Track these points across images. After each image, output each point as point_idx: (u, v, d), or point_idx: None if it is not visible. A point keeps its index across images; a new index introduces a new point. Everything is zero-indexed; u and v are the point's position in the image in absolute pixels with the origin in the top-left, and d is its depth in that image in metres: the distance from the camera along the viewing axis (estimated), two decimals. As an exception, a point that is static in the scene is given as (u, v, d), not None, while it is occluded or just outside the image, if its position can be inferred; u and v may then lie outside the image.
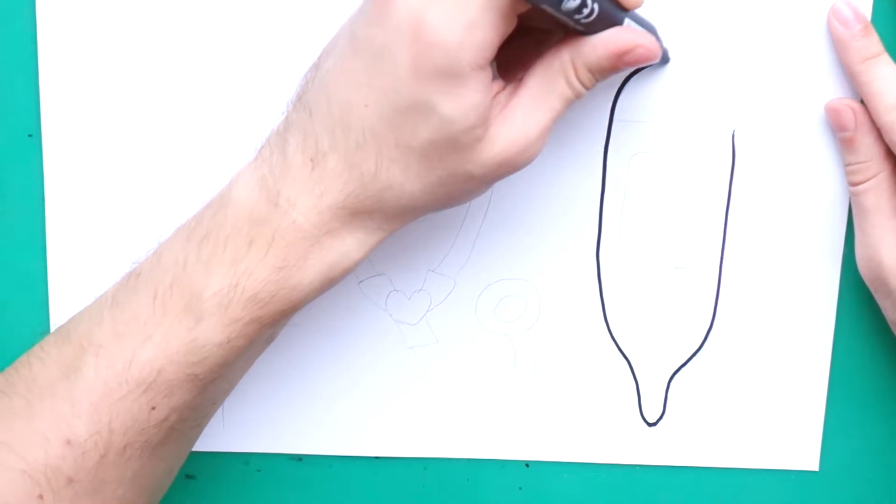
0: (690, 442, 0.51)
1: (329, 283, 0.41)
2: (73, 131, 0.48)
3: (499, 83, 0.41)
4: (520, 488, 0.51)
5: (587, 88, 0.42)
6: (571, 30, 0.41)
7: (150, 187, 0.48)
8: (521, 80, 0.41)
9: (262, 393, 0.50)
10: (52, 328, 0.49)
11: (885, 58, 0.45)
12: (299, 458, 0.51)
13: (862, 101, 0.46)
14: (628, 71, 0.47)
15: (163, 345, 0.39)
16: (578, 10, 0.39)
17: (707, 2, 0.47)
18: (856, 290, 0.49)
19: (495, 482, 0.51)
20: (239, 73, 0.47)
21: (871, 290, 0.47)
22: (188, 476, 0.51)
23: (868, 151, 0.46)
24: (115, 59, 0.47)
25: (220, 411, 0.50)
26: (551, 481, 0.51)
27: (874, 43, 0.46)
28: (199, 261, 0.40)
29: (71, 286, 0.49)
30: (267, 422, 0.50)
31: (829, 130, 0.48)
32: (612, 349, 0.50)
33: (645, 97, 0.48)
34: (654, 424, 0.51)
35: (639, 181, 0.49)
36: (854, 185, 0.47)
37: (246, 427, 0.50)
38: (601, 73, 0.41)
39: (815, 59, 0.47)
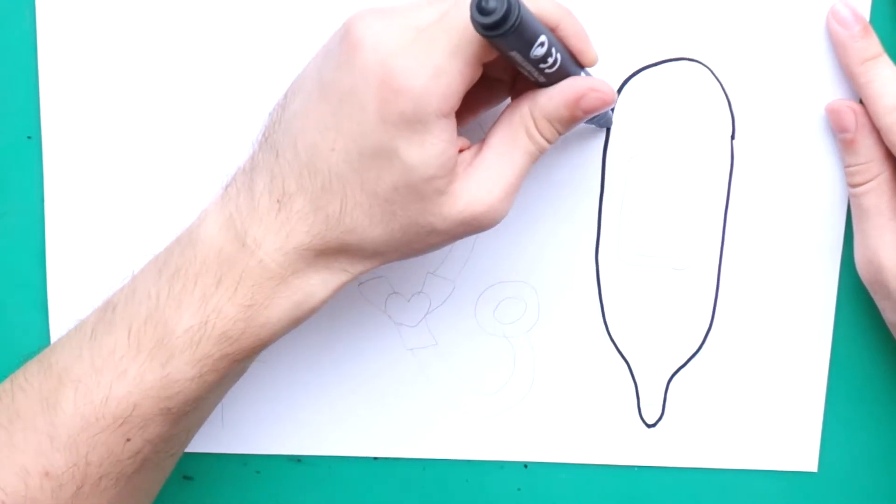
0: (689, 443, 0.51)
1: (296, 322, 0.42)
2: (73, 133, 0.48)
3: (464, 140, 0.41)
4: (518, 489, 0.51)
5: (549, 142, 0.42)
6: (528, 83, 0.42)
7: (148, 189, 0.48)
8: (484, 139, 0.42)
9: (261, 394, 0.50)
10: (52, 329, 0.49)
11: (885, 59, 0.45)
12: (298, 459, 0.51)
13: (862, 103, 0.46)
14: (627, 73, 0.47)
15: (137, 380, 0.40)
16: (544, 58, 0.39)
17: (707, 3, 0.47)
18: (854, 291, 0.49)
19: (494, 483, 0.51)
20: (238, 74, 0.47)
21: (871, 291, 0.47)
22: (186, 477, 0.51)
23: (868, 153, 0.46)
24: (115, 60, 0.47)
25: (219, 412, 0.50)
26: (550, 482, 0.51)
27: (873, 44, 0.46)
28: (171, 296, 0.40)
29: (70, 288, 0.49)
30: (266, 423, 0.51)
31: (828, 132, 0.48)
32: (611, 351, 0.50)
33: (644, 99, 0.48)
34: (654, 426, 0.51)
35: (637, 183, 0.49)
36: (854, 186, 0.46)
37: (245, 428, 0.51)
38: (560, 122, 0.42)
39: (815, 61, 0.47)
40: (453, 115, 0.39)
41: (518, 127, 0.41)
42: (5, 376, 0.48)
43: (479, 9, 0.36)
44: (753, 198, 0.49)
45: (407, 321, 0.50)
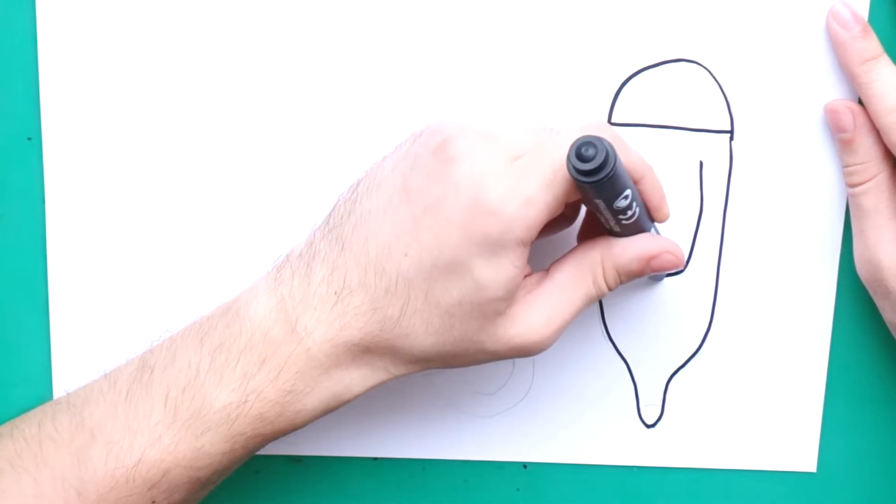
0: (689, 443, 0.51)
1: (328, 411, 0.42)
2: (73, 134, 0.48)
3: (527, 267, 0.42)
4: (518, 489, 0.51)
5: (610, 289, 0.43)
6: (596, 228, 0.43)
7: (149, 190, 0.48)
8: (547, 271, 0.43)
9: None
10: (52, 330, 0.49)
11: (885, 59, 0.45)
12: (298, 460, 0.51)
13: (860, 103, 0.46)
14: (626, 74, 0.47)
15: (171, 448, 0.41)
16: (624, 210, 0.41)
17: (705, 4, 0.47)
18: (853, 291, 0.49)
19: (493, 483, 0.51)
20: (238, 76, 0.47)
21: (870, 291, 0.47)
22: (187, 478, 0.51)
23: (867, 153, 0.46)
24: (115, 62, 0.47)
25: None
26: (549, 483, 0.51)
27: (874, 44, 0.46)
28: (212, 370, 0.41)
29: (71, 290, 0.49)
30: (266, 423, 0.51)
31: (827, 132, 0.48)
32: (610, 351, 0.50)
33: (642, 100, 0.48)
34: (653, 426, 0.51)
35: (637, 184, 0.49)
36: (853, 186, 0.46)
37: (245, 429, 0.51)
38: (627, 275, 0.43)
39: (813, 61, 0.47)
40: (530, 244, 0.40)
41: (586, 270, 0.42)
42: (6, 378, 0.49)
43: (578, 154, 0.37)
44: (752, 198, 0.49)
45: (406, 322, 0.50)
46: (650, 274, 0.44)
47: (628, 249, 0.43)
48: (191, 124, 0.48)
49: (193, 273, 0.49)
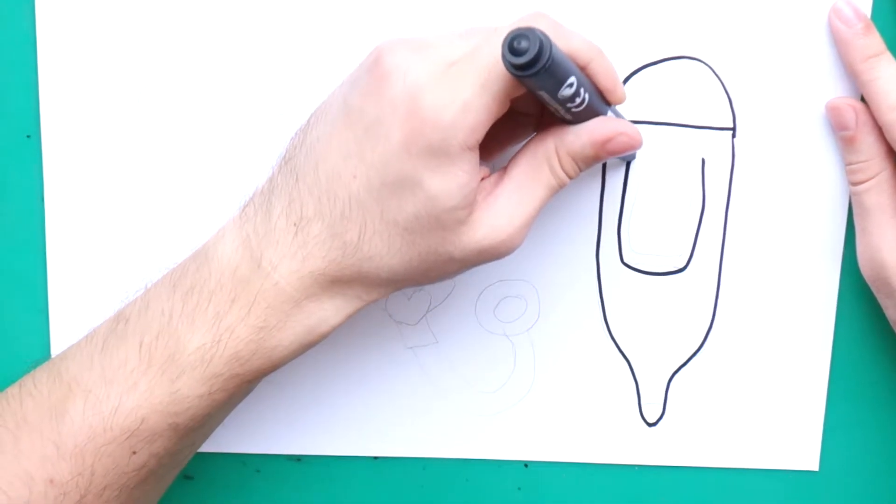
0: (690, 442, 0.51)
1: (306, 347, 0.42)
2: (73, 132, 0.48)
3: (484, 169, 0.42)
4: (519, 488, 0.51)
5: (570, 177, 0.42)
6: (553, 118, 0.42)
7: (149, 187, 0.48)
8: (505, 168, 0.42)
9: (261, 393, 0.50)
10: (52, 330, 0.49)
11: (888, 56, 0.45)
12: (298, 459, 0.51)
13: (863, 100, 0.46)
14: (629, 71, 0.47)
15: (147, 394, 0.40)
16: (572, 98, 0.40)
17: (708, 1, 0.47)
18: (856, 289, 0.49)
19: (494, 482, 0.51)
20: (238, 75, 0.47)
21: (873, 289, 0.47)
22: (186, 476, 0.51)
23: (869, 150, 0.46)
24: (114, 59, 0.47)
25: (219, 411, 0.50)
26: (550, 481, 0.51)
27: (876, 41, 0.45)
28: (184, 313, 0.41)
29: (70, 287, 0.49)
30: (266, 422, 0.50)
31: (829, 130, 0.48)
32: (611, 349, 0.50)
33: (644, 98, 0.47)
34: (654, 424, 0.51)
35: (638, 181, 0.48)
36: (855, 184, 0.46)
37: (245, 427, 0.51)
38: (584, 161, 0.42)
39: (815, 59, 0.47)
40: (477, 147, 0.39)
41: (542, 161, 0.42)
42: (6, 377, 0.48)
43: (511, 48, 0.36)
44: (754, 196, 0.49)
45: (407, 319, 0.50)
46: (609, 157, 0.43)
47: (581, 135, 0.42)
48: (189, 122, 0.48)
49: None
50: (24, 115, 0.48)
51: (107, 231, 0.48)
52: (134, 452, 0.41)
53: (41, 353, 0.49)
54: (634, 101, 0.48)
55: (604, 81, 0.42)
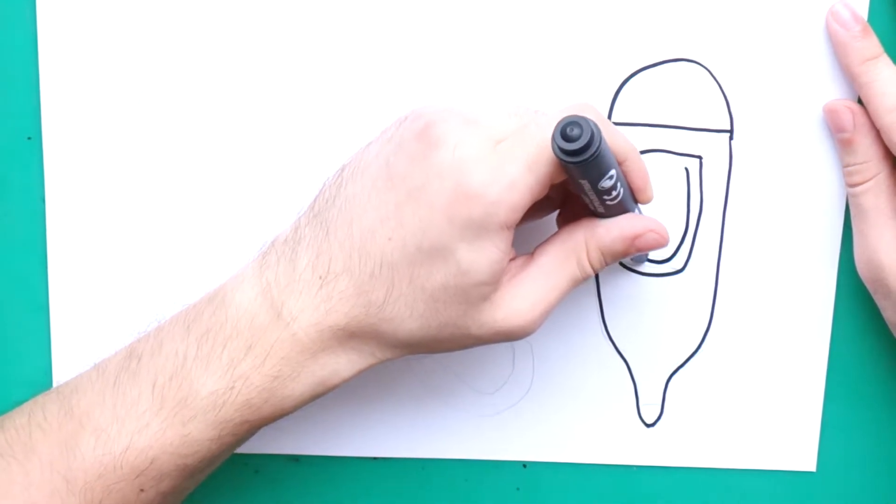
0: (688, 443, 0.51)
1: (316, 397, 0.42)
2: (74, 134, 0.48)
3: (512, 250, 0.42)
4: (517, 489, 0.52)
5: (595, 271, 0.43)
6: (576, 208, 0.43)
7: (149, 189, 0.48)
8: (532, 254, 0.43)
9: (261, 394, 0.50)
10: (52, 331, 0.49)
11: (885, 59, 0.45)
12: (297, 459, 0.51)
13: (860, 102, 0.46)
14: (626, 74, 0.47)
15: (158, 435, 0.41)
16: (609, 191, 0.40)
17: (705, 4, 0.47)
18: (853, 291, 0.49)
19: (493, 483, 0.51)
20: (239, 75, 0.47)
21: (871, 291, 0.47)
22: (187, 477, 0.51)
23: (867, 152, 0.46)
24: (115, 61, 0.47)
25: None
26: (549, 482, 0.51)
27: (873, 44, 0.46)
28: (198, 357, 0.41)
29: (71, 289, 0.49)
30: (266, 423, 0.51)
31: (827, 132, 0.48)
32: (609, 350, 0.50)
33: (642, 100, 0.48)
34: (652, 425, 0.51)
35: (636, 183, 0.49)
36: (852, 186, 0.46)
37: (245, 428, 0.51)
38: (612, 255, 0.43)
39: (813, 61, 0.47)
40: (514, 227, 0.40)
41: (570, 252, 0.42)
42: (6, 378, 0.49)
43: (563, 134, 0.37)
44: (752, 198, 0.49)
45: (406, 321, 0.50)
46: (635, 255, 0.44)
47: (612, 230, 0.42)
48: (190, 123, 0.48)
49: (195, 272, 0.49)
50: (25, 116, 0.48)
51: (108, 234, 0.48)
52: (142, 490, 0.41)
53: (42, 357, 0.49)
54: (632, 104, 0.48)
55: (637, 180, 0.43)
